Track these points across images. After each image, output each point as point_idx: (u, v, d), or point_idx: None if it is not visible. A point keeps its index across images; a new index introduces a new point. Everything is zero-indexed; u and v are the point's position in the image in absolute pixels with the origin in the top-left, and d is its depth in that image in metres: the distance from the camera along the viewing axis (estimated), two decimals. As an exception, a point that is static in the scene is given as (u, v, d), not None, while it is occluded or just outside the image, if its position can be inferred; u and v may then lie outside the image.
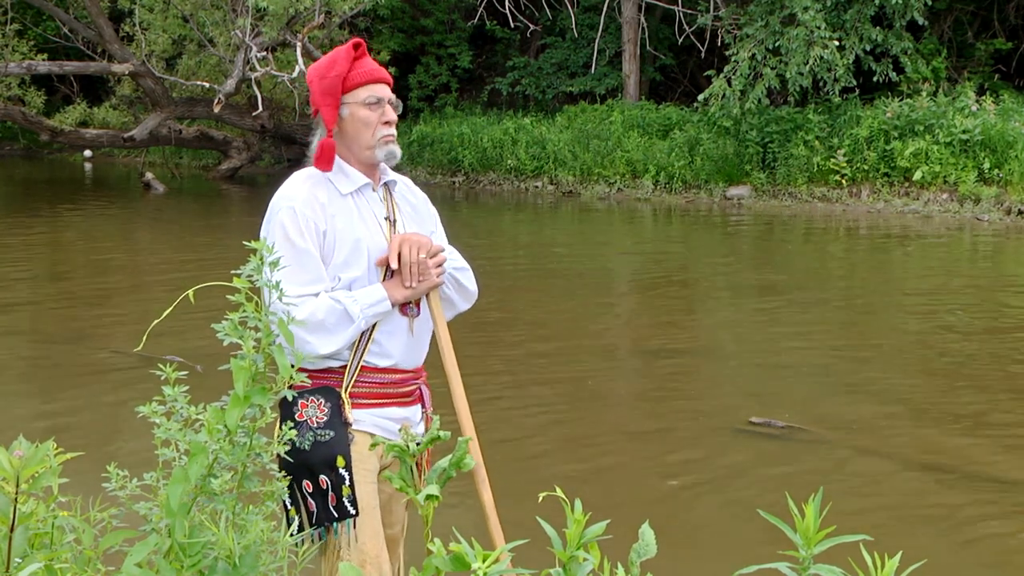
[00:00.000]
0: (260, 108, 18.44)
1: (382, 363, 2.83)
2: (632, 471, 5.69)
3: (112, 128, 22.34)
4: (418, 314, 2.89)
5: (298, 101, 19.65)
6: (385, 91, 2.87)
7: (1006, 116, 16.15)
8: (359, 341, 2.78)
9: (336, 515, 2.73)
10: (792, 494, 2.08)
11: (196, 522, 1.83)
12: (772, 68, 16.97)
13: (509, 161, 19.93)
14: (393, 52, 22.83)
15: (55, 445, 1.74)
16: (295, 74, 17.39)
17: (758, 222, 15.64)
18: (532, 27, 21.68)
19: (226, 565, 1.80)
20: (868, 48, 16.90)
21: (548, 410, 6.70)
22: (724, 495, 5.27)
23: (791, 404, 6.65)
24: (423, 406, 2.97)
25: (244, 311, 1.94)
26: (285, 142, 22.30)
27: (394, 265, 2.79)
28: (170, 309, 2.37)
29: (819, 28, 16.40)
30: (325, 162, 2.81)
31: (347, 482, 2.73)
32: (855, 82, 17.02)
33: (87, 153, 26.62)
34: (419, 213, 3.01)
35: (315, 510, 2.74)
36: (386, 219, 2.89)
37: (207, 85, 19.26)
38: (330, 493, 2.73)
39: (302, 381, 2.17)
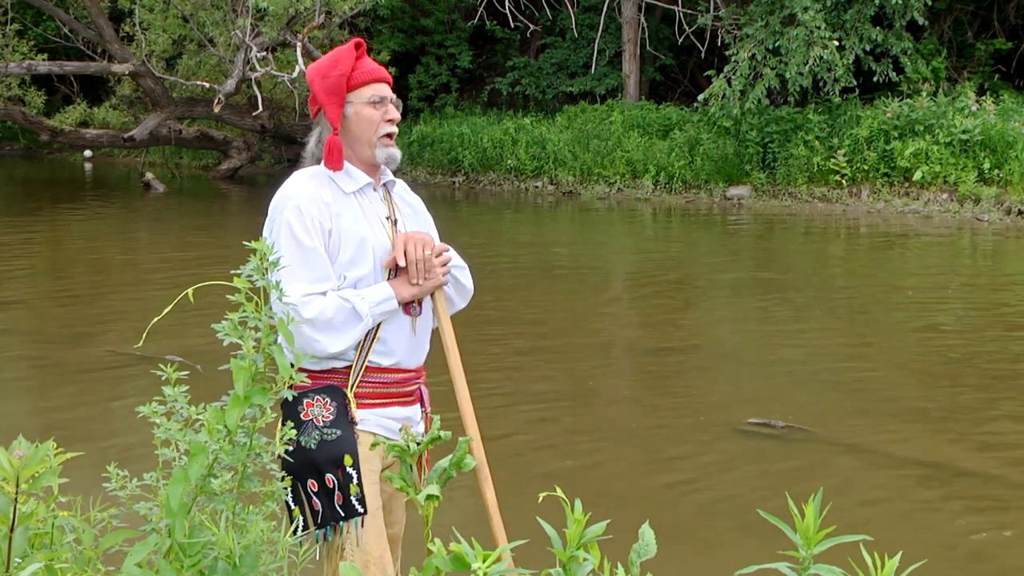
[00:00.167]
0: (260, 108, 18.44)
1: (386, 362, 2.83)
2: (632, 471, 5.69)
3: (112, 128, 22.34)
4: (420, 313, 2.90)
5: (298, 101, 19.64)
6: (387, 90, 2.89)
7: (1006, 116, 16.15)
8: (364, 340, 2.78)
9: (343, 514, 2.73)
10: (792, 494, 2.08)
11: (196, 522, 1.83)
12: (772, 68, 16.97)
13: (509, 161, 19.93)
14: (393, 52, 22.83)
15: (55, 445, 1.74)
16: (295, 74, 17.39)
17: (758, 222, 15.65)
18: (532, 27, 21.68)
19: (226, 565, 1.80)
20: (868, 48, 16.90)
21: (547, 409, 6.70)
22: (724, 495, 5.27)
23: (790, 404, 6.65)
24: (423, 405, 2.98)
25: (244, 311, 1.94)
26: (285, 142, 22.30)
27: (401, 263, 2.80)
28: (170, 308, 2.37)
29: (819, 28, 16.40)
30: (335, 160, 2.82)
31: (355, 481, 2.73)
32: (855, 82, 17.01)
33: (87, 153, 26.62)
34: (417, 214, 3.03)
35: (320, 509, 2.74)
36: (388, 218, 2.90)
37: (207, 85, 19.26)
38: (336, 492, 2.72)
39: (302, 381, 2.17)
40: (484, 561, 1.80)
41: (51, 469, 1.71)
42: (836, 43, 16.50)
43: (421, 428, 2.92)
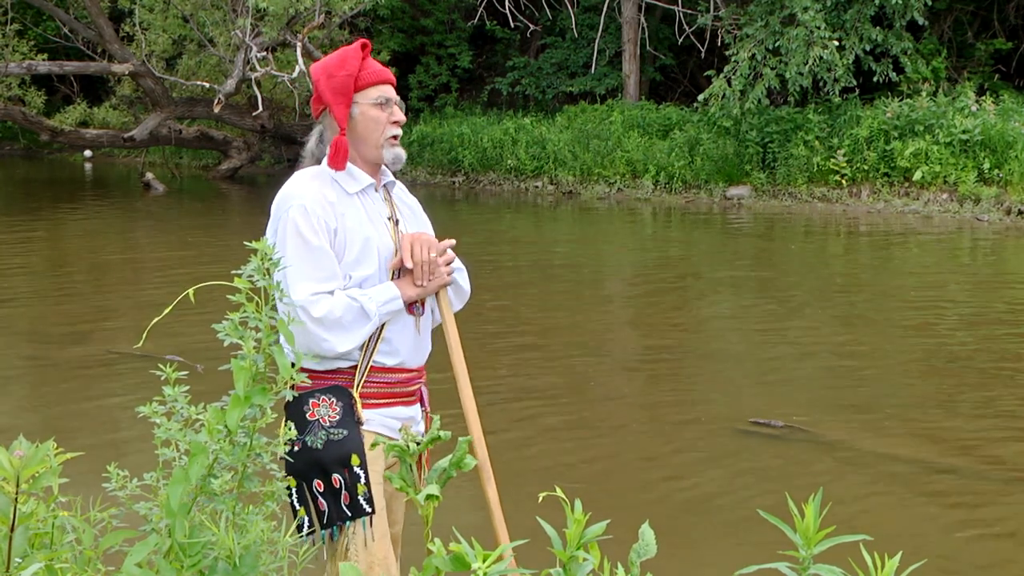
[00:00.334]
0: (260, 108, 18.43)
1: (390, 362, 2.84)
2: (632, 471, 5.69)
3: (112, 128, 22.34)
4: (423, 313, 2.92)
5: (298, 101, 19.64)
6: (392, 92, 2.89)
7: (1006, 116, 16.15)
8: (368, 340, 2.79)
9: (349, 514, 2.73)
10: (792, 494, 2.08)
11: (196, 522, 1.83)
12: (772, 68, 16.97)
13: (509, 161, 19.93)
14: (393, 52, 22.83)
15: (55, 445, 1.74)
16: (295, 74, 17.39)
17: (758, 222, 15.65)
18: (532, 27, 21.68)
19: (226, 565, 1.81)
20: (868, 48, 16.90)
21: (547, 408, 6.70)
22: (724, 495, 5.27)
23: (791, 404, 6.65)
24: (423, 405, 2.98)
25: (245, 311, 1.94)
26: (285, 142, 22.29)
27: (409, 264, 2.80)
28: (170, 308, 2.37)
29: (819, 28, 16.40)
30: (340, 161, 2.82)
31: (363, 480, 2.73)
32: (855, 82, 17.01)
33: (87, 153, 26.62)
34: (415, 216, 3.04)
35: (326, 510, 2.74)
36: (390, 219, 2.91)
37: (207, 85, 19.26)
38: (343, 492, 2.72)
39: (303, 381, 2.17)
40: (484, 561, 1.80)
41: (51, 469, 1.71)
42: (836, 43, 16.50)
43: (422, 428, 2.93)
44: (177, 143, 22.12)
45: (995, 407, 6.68)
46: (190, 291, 2.23)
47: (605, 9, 20.33)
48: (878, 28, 16.87)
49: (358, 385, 2.79)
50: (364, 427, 2.78)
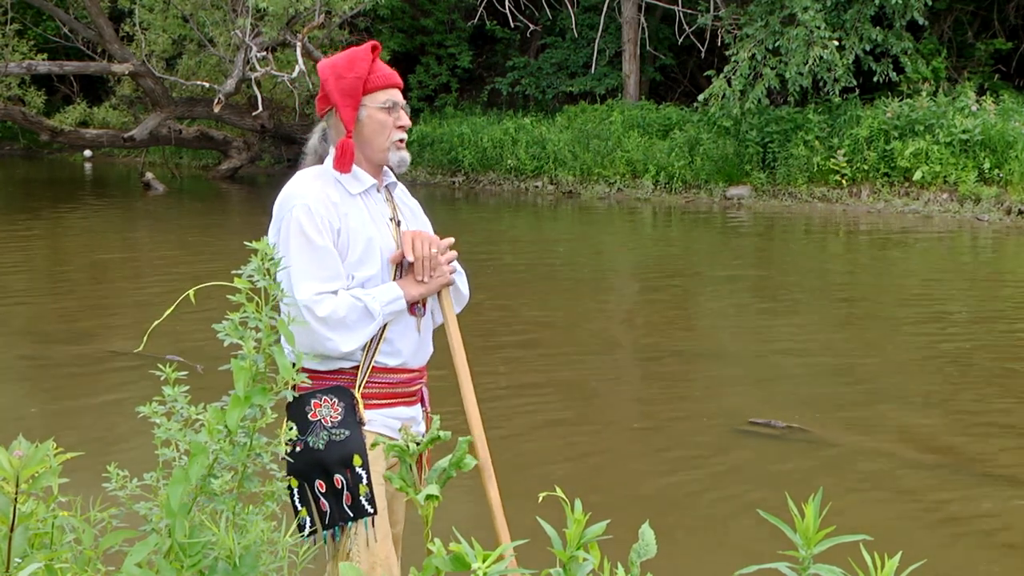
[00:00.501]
0: (260, 108, 18.43)
1: (392, 362, 2.84)
2: (632, 471, 5.69)
3: (112, 128, 22.34)
4: (424, 314, 2.92)
5: (298, 101, 19.65)
6: (400, 96, 2.90)
7: (1006, 116, 16.15)
8: (370, 341, 2.79)
9: (351, 514, 2.73)
10: (792, 494, 2.08)
11: (196, 522, 1.83)
12: (772, 68, 16.97)
13: (509, 161, 19.93)
14: (393, 52, 22.82)
15: (55, 445, 1.74)
16: (295, 74, 17.39)
17: (758, 222, 15.65)
18: (532, 27, 21.68)
19: (226, 565, 1.81)
20: (868, 48, 16.89)
21: (547, 409, 6.70)
22: (724, 495, 5.27)
23: (791, 404, 6.65)
24: (423, 405, 2.99)
25: (245, 311, 1.94)
26: (285, 142, 22.30)
27: (409, 258, 2.81)
28: (171, 310, 2.37)
29: (819, 28, 16.40)
30: (347, 164, 2.82)
31: (364, 481, 2.73)
32: (855, 82, 17.01)
33: (87, 153, 26.62)
34: (416, 217, 3.04)
35: (328, 510, 2.74)
36: (391, 220, 2.91)
37: (207, 85, 19.26)
38: (345, 492, 2.72)
39: (303, 382, 2.17)
40: (484, 561, 1.80)
41: (51, 469, 1.71)
42: (836, 43, 16.50)
43: (423, 428, 2.93)
44: (177, 143, 22.12)
45: (997, 407, 6.68)
46: (190, 292, 2.23)
47: (605, 9, 20.32)
48: (878, 28, 16.87)
49: (360, 386, 2.79)
50: (366, 427, 2.78)
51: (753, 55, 17.13)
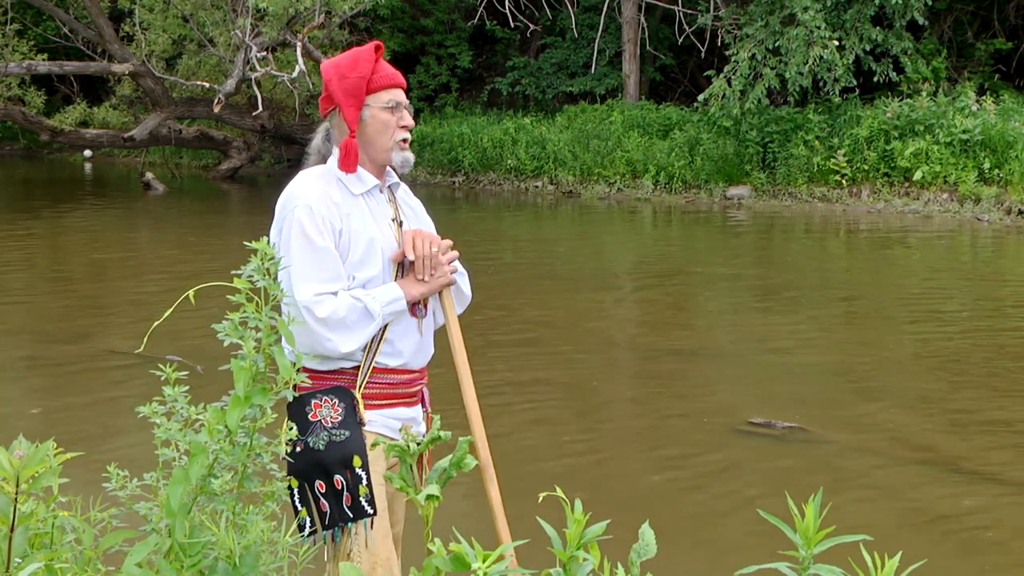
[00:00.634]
0: (260, 108, 18.43)
1: (393, 363, 2.84)
2: (632, 470, 5.69)
3: (112, 128, 22.34)
4: (425, 314, 2.92)
5: (298, 101, 19.65)
6: (403, 96, 2.90)
7: (1006, 116, 16.15)
8: (371, 341, 2.79)
9: (351, 515, 2.73)
10: (792, 494, 2.08)
11: (196, 522, 1.83)
12: (772, 68, 16.96)
13: (509, 161, 19.93)
14: (393, 52, 22.81)
15: (55, 445, 1.74)
16: (295, 74, 17.39)
17: (758, 222, 15.65)
18: (532, 27, 21.67)
19: (226, 565, 1.80)
20: (868, 48, 16.89)
21: (546, 408, 6.70)
22: (724, 495, 5.27)
23: (791, 404, 6.65)
24: (424, 406, 2.98)
25: (245, 311, 1.93)
26: (285, 142, 22.30)
27: (410, 256, 2.80)
28: (171, 310, 2.37)
29: (819, 28, 16.40)
30: (351, 164, 2.82)
31: (364, 481, 2.73)
32: (855, 82, 17.01)
33: (87, 153, 26.62)
34: (418, 217, 3.04)
35: (328, 511, 2.74)
36: (394, 220, 2.91)
37: (207, 85, 19.26)
38: (345, 493, 2.72)
39: (303, 382, 2.17)
40: (484, 561, 1.80)
41: (51, 469, 1.71)
42: (836, 43, 16.50)
43: (423, 428, 2.92)
44: (177, 143, 22.12)
45: (998, 407, 6.68)
46: (190, 292, 2.23)
47: (605, 9, 20.32)
48: (878, 28, 16.87)
49: (360, 386, 2.79)
50: (366, 428, 2.78)
51: (753, 55, 17.13)
